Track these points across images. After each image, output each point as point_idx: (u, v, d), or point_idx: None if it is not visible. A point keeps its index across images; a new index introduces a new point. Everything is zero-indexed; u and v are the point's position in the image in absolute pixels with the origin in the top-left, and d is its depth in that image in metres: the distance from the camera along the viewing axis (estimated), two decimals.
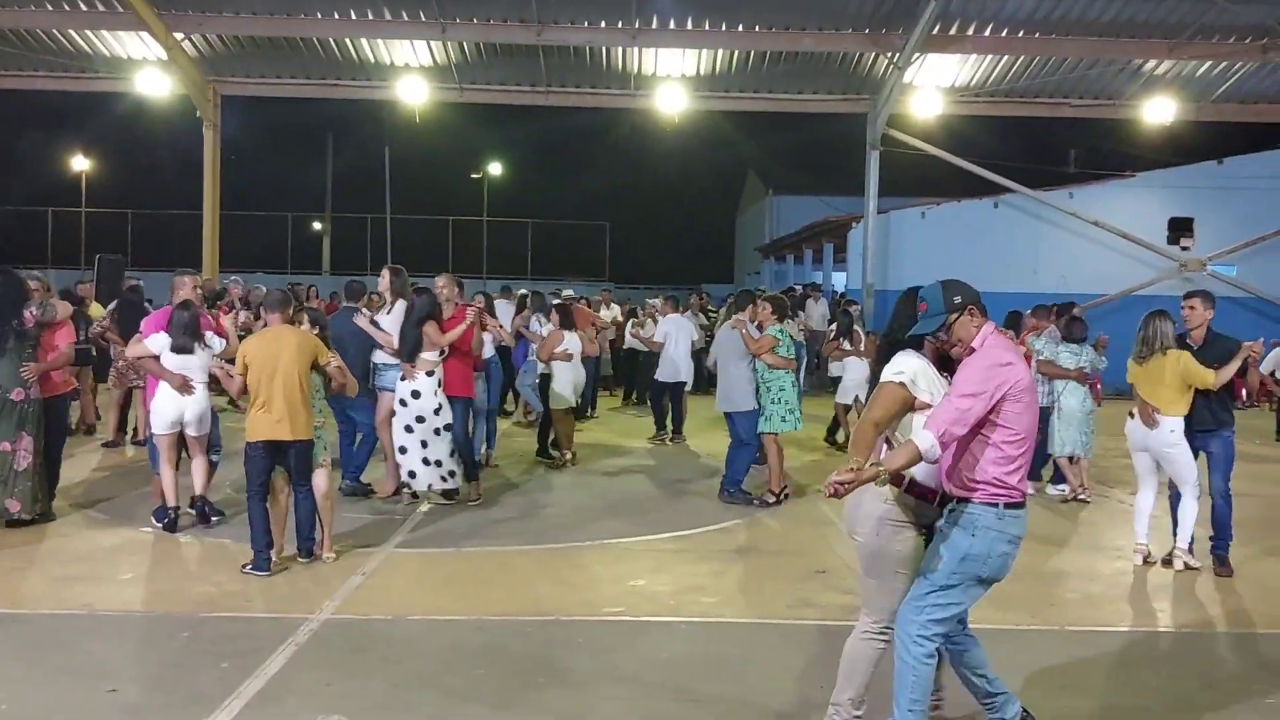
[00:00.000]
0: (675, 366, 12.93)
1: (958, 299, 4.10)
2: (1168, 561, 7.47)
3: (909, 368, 4.18)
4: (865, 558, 4.28)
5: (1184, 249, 22.31)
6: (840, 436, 12.79)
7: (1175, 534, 7.52)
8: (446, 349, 8.80)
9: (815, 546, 7.99)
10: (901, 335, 4.33)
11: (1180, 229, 22.47)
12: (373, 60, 20.41)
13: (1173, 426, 7.23)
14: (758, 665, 5.40)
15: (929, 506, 4.20)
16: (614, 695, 4.93)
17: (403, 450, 8.78)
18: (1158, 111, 20.56)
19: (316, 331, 7.53)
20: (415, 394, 8.67)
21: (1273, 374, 15.43)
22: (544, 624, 5.98)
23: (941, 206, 22.75)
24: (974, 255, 21.78)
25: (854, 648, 4.29)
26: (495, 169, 41.31)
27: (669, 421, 13.15)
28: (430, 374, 8.70)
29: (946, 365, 4.26)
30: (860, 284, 21.74)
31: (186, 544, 7.72)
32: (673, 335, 12.89)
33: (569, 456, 11.26)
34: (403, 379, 8.73)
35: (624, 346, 17.23)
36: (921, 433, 3.89)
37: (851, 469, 3.77)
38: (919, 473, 4.14)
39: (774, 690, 5.01)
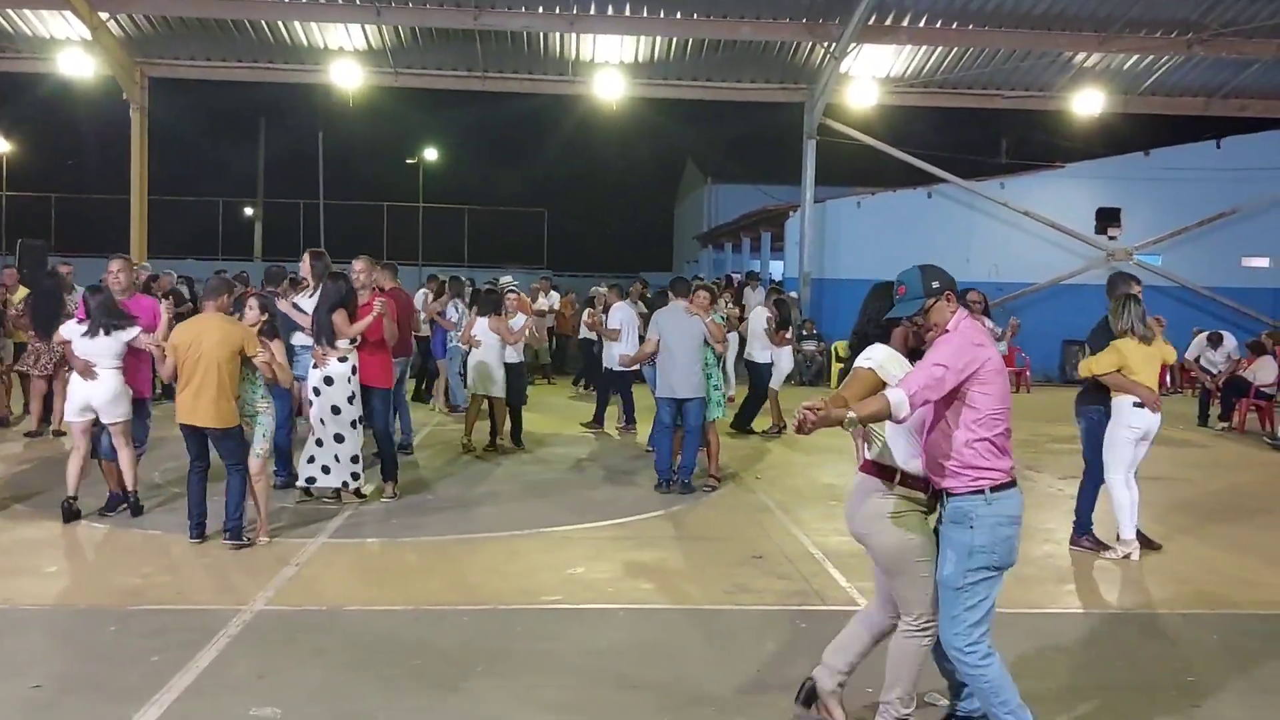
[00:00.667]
0: None
1: (935, 284, 4.13)
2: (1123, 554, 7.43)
3: (877, 355, 4.23)
4: (884, 558, 4.25)
5: (1111, 239, 22.79)
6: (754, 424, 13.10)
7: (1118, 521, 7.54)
8: (359, 338, 8.55)
9: (752, 533, 8.04)
10: (870, 329, 4.36)
11: (1108, 219, 22.96)
12: (306, 43, 20.05)
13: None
14: (695, 651, 5.42)
15: (923, 496, 4.21)
16: (552, 683, 4.92)
17: (318, 443, 8.48)
18: (1087, 103, 20.96)
19: (265, 318, 7.40)
20: (328, 380, 8.43)
21: (1197, 360, 15.90)
22: (481, 613, 5.95)
23: (877, 196, 22.99)
24: (908, 244, 22.01)
25: (898, 646, 4.26)
26: (431, 155, 40.81)
27: (620, 411, 13.15)
28: (343, 360, 8.44)
29: (916, 358, 4.27)
30: (797, 273, 21.89)
31: (115, 535, 7.55)
32: (627, 324, 12.88)
33: (499, 444, 11.31)
34: (315, 366, 8.53)
35: (579, 336, 17.18)
36: (894, 389, 3.90)
37: (821, 403, 3.75)
38: (906, 463, 4.17)
39: (712, 676, 5.04)
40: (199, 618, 5.71)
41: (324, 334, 8.46)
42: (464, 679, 4.95)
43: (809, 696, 4.51)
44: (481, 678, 4.96)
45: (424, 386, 15.38)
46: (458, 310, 14.00)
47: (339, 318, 8.39)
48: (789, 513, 8.74)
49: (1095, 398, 7.48)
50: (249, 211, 39.23)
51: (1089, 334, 7.82)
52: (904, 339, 4.31)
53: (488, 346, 11.02)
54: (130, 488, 7.93)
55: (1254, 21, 18.52)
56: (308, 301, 8.99)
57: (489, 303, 11.43)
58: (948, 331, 4.11)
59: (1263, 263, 23.07)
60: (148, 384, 8.48)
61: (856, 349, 4.39)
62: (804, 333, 19.83)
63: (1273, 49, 19.28)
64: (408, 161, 40.53)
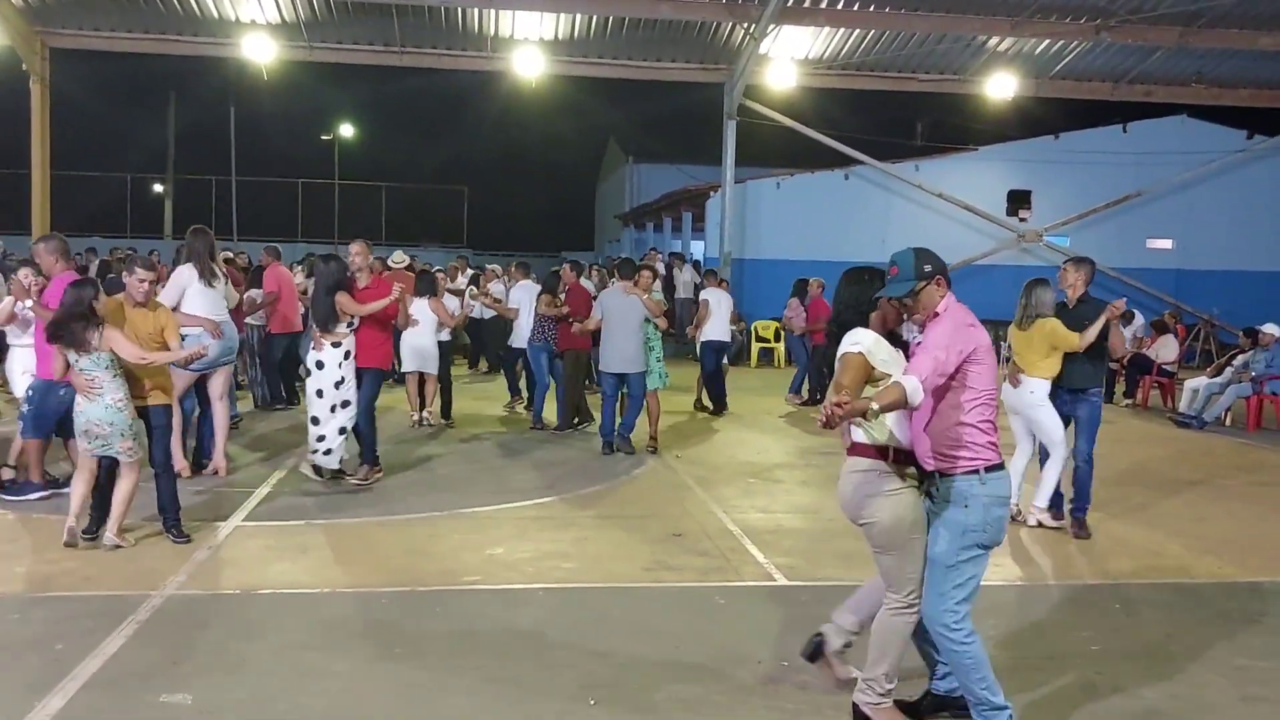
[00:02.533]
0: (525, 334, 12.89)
1: (928, 268, 4.16)
2: (1019, 518, 7.72)
3: (864, 339, 4.23)
4: (878, 536, 4.24)
5: (1022, 220, 23.33)
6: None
7: (1037, 492, 7.82)
8: (357, 320, 8.61)
9: (672, 511, 8.09)
10: (849, 315, 4.37)
11: (1018, 201, 23.50)
12: (216, 15, 19.49)
13: (1033, 388, 7.54)
14: (615, 629, 5.44)
15: (915, 473, 4.26)
16: (472, 664, 4.90)
17: (314, 421, 8.62)
18: (999, 87, 21.37)
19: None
20: (319, 364, 8.53)
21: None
22: (400, 595, 5.90)
23: (796, 177, 23.20)
24: (826, 225, 22.37)
25: (884, 624, 4.28)
26: (347, 131, 40.13)
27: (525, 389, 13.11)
28: (337, 345, 8.51)
29: (892, 340, 4.34)
30: (718, 252, 22.01)
31: (25, 521, 7.32)
32: (525, 303, 12.80)
33: (426, 418, 11.83)
34: (311, 348, 8.65)
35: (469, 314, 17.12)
36: (906, 376, 3.95)
37: (847, 396, 3.79)
38: (897, 442, 4.21)
39: (632, 652, 5.07)
40: (107, 604, 5.56)
41: (322, 317, 8.50)
42: (383, 661, 4.90)
43: (815, 652, 4.59)
44: (400, 659, 4.93)
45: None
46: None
47: (343, 299, 8.48)
48: (709, 491, 8.82)
49: (1093, 378, 7.60)
50: (158, 188, 38.16)
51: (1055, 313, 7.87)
52: (881, 322, 4.34)
53: (425, 326, 11.49)
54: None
55: (1158, 9, 19.04)
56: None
57: (426, 284, 12.04)
58: (937, 315, 4.16)
59: (1166, 245, 23.83)
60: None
61: (836, 337, 4.40)
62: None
63: (1175, 36, 19.84)
64: (323, 138, 39.80)
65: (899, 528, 4.18)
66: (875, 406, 3.83)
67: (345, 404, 8.61)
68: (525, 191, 47.89)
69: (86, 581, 6.02)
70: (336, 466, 8.72)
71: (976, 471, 4.07)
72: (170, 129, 37.68)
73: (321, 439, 8.61)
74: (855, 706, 4.30)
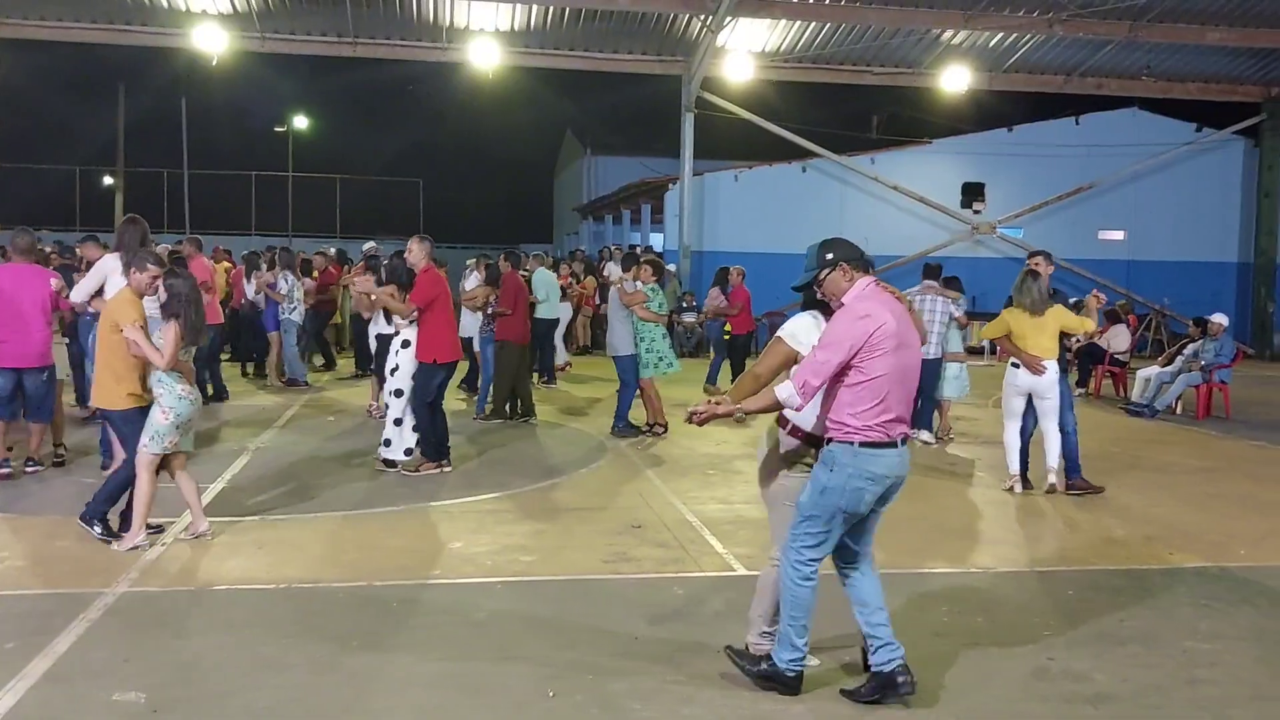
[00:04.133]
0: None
1: (830, 256, 4.45)
2: (1052, 489, 8.51)
3: (790, 325, 4.59)
4: (765, 495, 4.79)
5: (976, 212, 23.55)
6: None
7: (1047, 460, 8.57)
8: (414, 313, 8.84)
9: (632, 502, 8.11)
10: (810, 300, 4.70)
11: (973, 193, 23.72)
12: (166, 5, 19.18)
13: (1053, 369, 8.39)
14: (574, 620, 5.44)
15: (808, 449, 4.57)
16: (430, 657, 4.88)
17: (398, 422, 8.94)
18: (953, 80, 21.56)
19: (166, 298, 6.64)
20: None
21: None
22: (358, 589, 5.86)
23: (754, 170, 23.27)
24: (784, 217, 22.45)
25: (765, 574, 4.77)
26: (301, 123, 39.65)
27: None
28: (397, 334, 9.02)
29: None
30: (677, 245, 22.03)
31: None
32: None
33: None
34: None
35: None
36: (784, 383, 4.31)
37: (712, 402, 4.39)
38: (798, 418, 4.53)
39: (590, 644, 5.07)
40: (58, 602, 5.48)
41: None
42: (339, 656, 4.87)
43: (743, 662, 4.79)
44: (357, 654, 4.90)
45: (251, 360, 15.48)
46: (288, 282, 14.06)
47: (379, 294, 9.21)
48: (668, 482, 8.84)
49: (1061, 359, 8.55)
50: (108, 180, 37.55)
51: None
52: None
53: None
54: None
55: (1108, 3, 19.29)
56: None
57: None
58: (843, 303, 4.40)
59: (1118, 236, 24.17)
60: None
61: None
62: (684, 305, 20.00)
63: (1125, 30, 20.12)
64: (277, 130, 39.30)
65: (776, 492, 4.68)
66: (742, 413, 4.42)
67: (398, 393, 8.87)
68: (482, 183, 47.66)
69: (37, 579, 5.93)
70: (393, 458, 8.92)
71: (850, 443, 4.32)
72: (120, 120, 37.02)
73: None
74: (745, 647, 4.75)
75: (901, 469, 4.41)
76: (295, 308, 14.17)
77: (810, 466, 4.54)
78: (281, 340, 14.24)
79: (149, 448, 6.48)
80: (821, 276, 4.46)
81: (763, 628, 4.72)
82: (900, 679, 4.38)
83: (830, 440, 4.38)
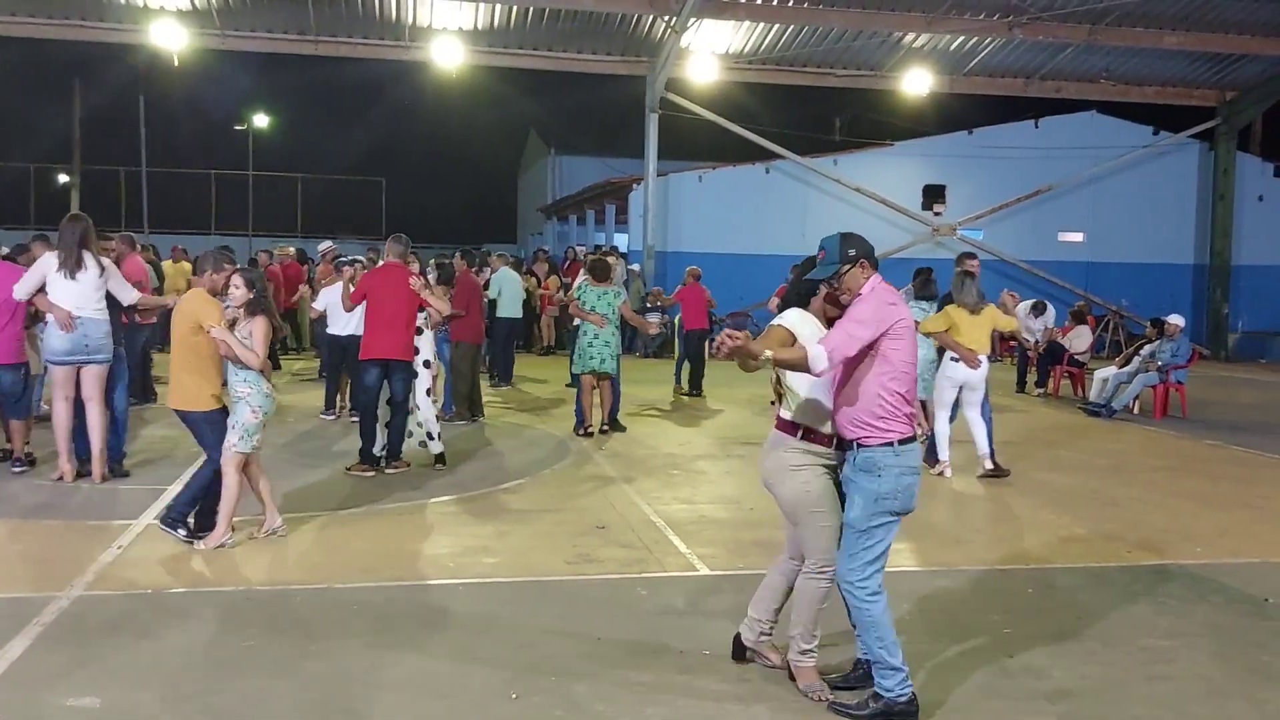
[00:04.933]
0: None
1: (852, 251, 4.40)
2: (989, 473, 9.26)
3: (789, 316, 4.55)
4: (785, 506, 4.57)
5: (937, 214, 23.76)
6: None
7: (979, 447, 9.33)
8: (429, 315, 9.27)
9: (595, 504, 8.09)
10: (792, 298, 4.70)
11: (934, 195, 23.94)
12: (123, 1, 18.95)
13: (985, 363, 9.17)
14: (537, 622, 5.41)
15: (827, 451, 4.49)
16: (390, 660, 4.84)
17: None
18: (915, 83, 21.75)
19: (252, 295, 6.65)
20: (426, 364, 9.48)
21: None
22: (317, 592, 5.80)
23: (718, 171, 23.33)
24: (747, 218, 22.54)
25: (799, 587, 4.60)
26: (262, 121, 39.23)
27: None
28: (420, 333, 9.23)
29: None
30: (641, 245, 22.04)
31: None
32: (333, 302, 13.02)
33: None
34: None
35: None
36: (815, 345, 4.20)
37: (742, 336, 4.15)
38: (812, 421, 4.47)
39: (553, 645, 5.05)
40: (11, 606, 5.38)
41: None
42: (300, 660, 4.82)
43: (737, 651, 4.83)
44: (316, 658, 4.84)
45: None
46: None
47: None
48: (632, 483, 8.83)
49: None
50: (64, 178, 36.99)
51: (939, 300, 9.73)
52: (821, 309, 4.57)
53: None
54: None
55: (1068, 7, 19.53)
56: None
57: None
58: (861, 295, 4.38)
59: (1077, 238, 24.48)
60: None
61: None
62: (648, 305, 20.00)
63: (1084, 33, 20.39)
64: (237, 128, 38.88)
65: (802, 501, 4.47)
66: (769, 354, 4.17)
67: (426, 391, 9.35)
68: (445, 183, 47.46)
69: None
70: (438, 450, 9.33)
71: (891, 444, 4.27)
72: (76, 117, 36.48)
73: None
74: (788, 665, 4.63)
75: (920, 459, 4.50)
76: (228, 306, 13.91)
77: (828, 466, 4.47)
78: None
79: (238, 447, 6.51)
80: (844, 271, 4.39)
81: (803, 646, 4.55)
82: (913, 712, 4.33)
83: (860, 445, 4.29)
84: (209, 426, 6.60)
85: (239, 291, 6.57)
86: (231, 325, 6.55)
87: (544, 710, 4.35)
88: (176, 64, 20.48)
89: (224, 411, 6.60)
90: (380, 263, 9.94)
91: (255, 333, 6.49)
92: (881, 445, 4.27)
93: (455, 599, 5.78)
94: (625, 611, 5.61)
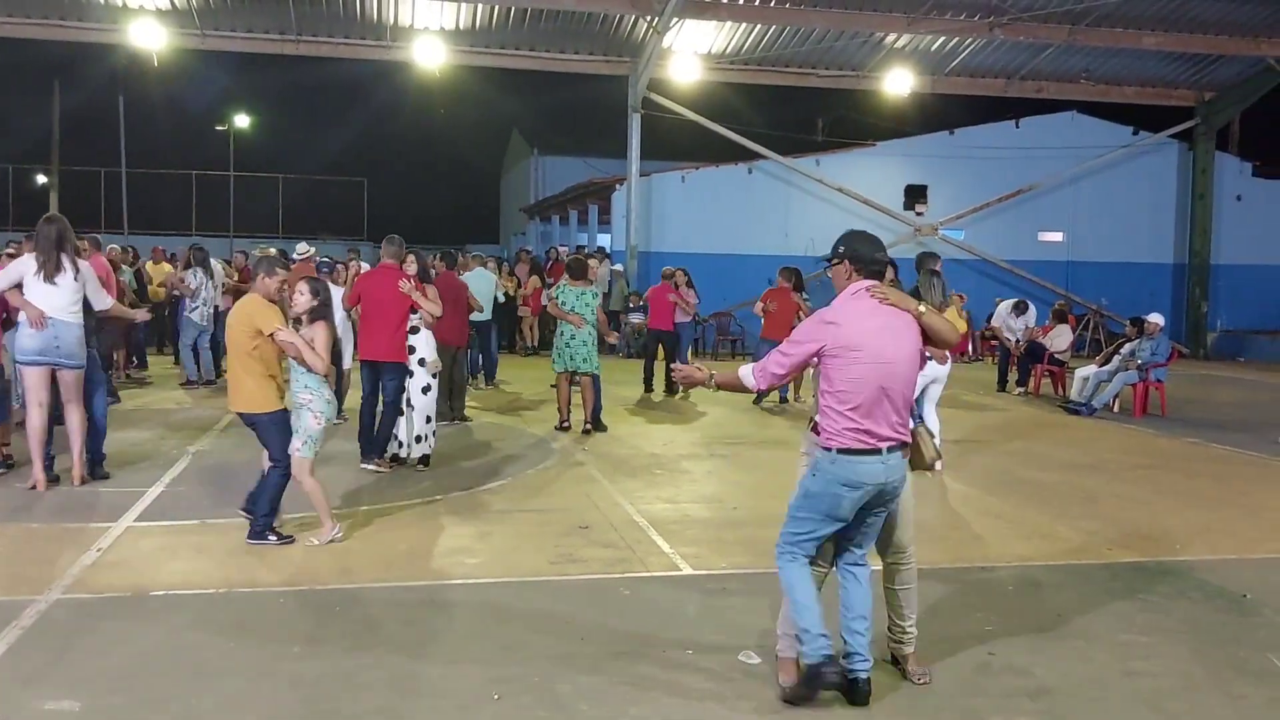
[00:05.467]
0: None
1: (840, 249, 4.54)
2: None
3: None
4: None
5: (919, 214, 23.82)
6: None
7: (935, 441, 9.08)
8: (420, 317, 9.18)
9: (578, 503, 8.08)
10: None
11: (915, 195, 24.00)
12: (102, 1, 18.83)
13: (949, 359, 9.20)
14: (520, 622, 5.41)
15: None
16: (371, 662, 4.82)
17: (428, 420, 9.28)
18: (896, 83, 21.80)
19: (316, 302, 6.69)
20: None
21: (995, 326, 16.81)
22: (299, 593, 5.78)
23: (700, 171, 23.34)
24: (730, 218, 22.56)
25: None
26: (242, 121, 39.03)
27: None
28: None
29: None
30: (624, 245, 22.03)
31: None
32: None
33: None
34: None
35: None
36: (745, 366, 4.55)
37: (695, 367, 4.72)
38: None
39: (536, 646, 5.04)
40: None
41: None
42: (280, 661, 4.80)
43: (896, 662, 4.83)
44: (299, 660, 4.83)
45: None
46: (197, 278, 14.06)
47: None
48: (615, 483, 8.83)
49: None
50: (42, 179, 36.73)
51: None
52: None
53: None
54: None
55: (1048, 8, 19.63)
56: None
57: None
58: (837, 300, 4.50)
59: (1057, 237, 24.59)
60: None
61: None
62: (631, 305, 20.01)
63: (1064, 34, 20.48)
64: (218, 128, 38.68)
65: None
66: (714, 383, 4.61)
67: (426, 389, 9.27)
68: (427, 183, 47.36)
69: None
70: (426, 452, 9.31)
71: (830, 449, 4.37)
72: (54, 118, 36.23)
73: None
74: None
75: (887, 476, 4.36)
76: (197, 308, 13.96)
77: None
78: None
79: (302, 453, 6.62)
80: (828, 268, 4.56)
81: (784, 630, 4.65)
82: (830, 675, 4.35)
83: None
84: (274, 427, 6.66)
85: (303, 299, 6.66)
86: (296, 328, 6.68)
87: (528, 710, 4.35)
88: (156, 64, 20.33)
89: (287, 412, 6.67)
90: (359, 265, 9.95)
91: (317, 339, 6.57)
92: (823, 449, 4.38)
93: (438, 599, 5.76)
94: (608, 611, 5.60)
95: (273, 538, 6.66)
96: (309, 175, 38.68)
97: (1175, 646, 5.23)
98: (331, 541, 6.70)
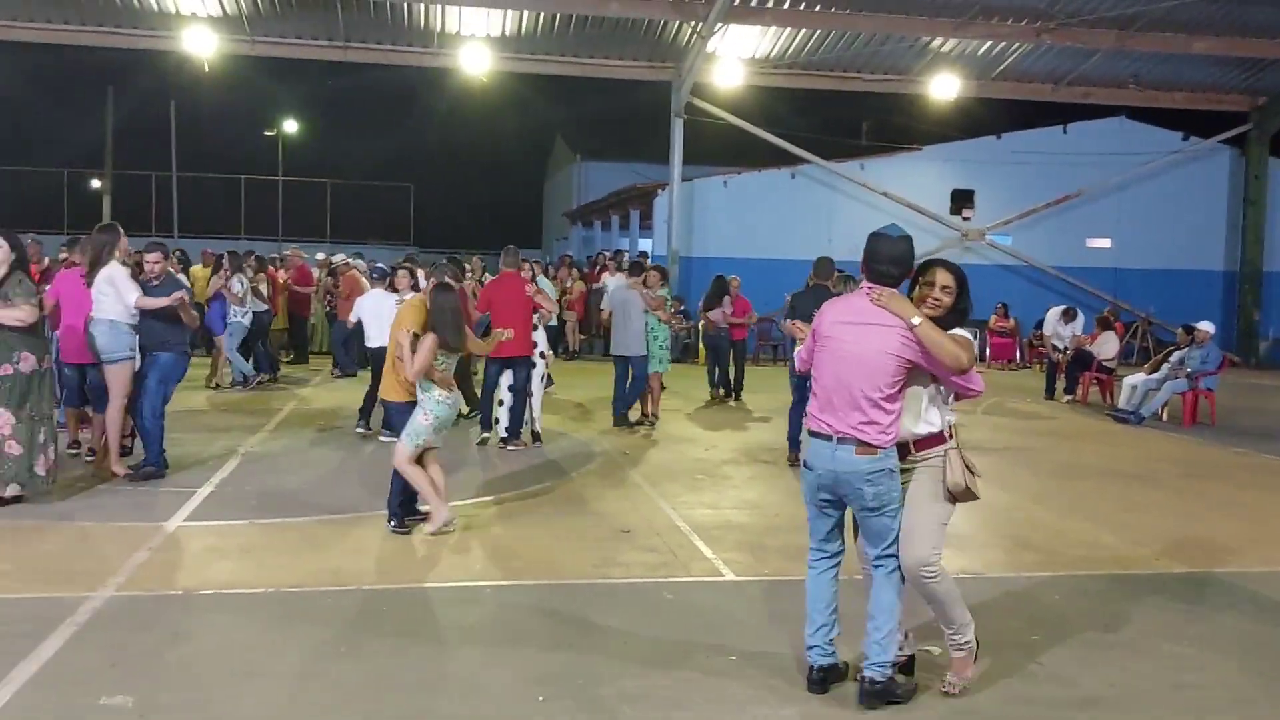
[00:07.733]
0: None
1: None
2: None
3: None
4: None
5: (965, 219, 23.64)
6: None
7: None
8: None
9: (620, 507, 8.11)
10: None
11: (962, 200, 23.81)
12: (155, 8, 19.17)
13: None
14: (563, 626, 5.44)
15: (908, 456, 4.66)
16: (414, 663, 4.87)
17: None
18: (943, 87, 21.65)
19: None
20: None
21: (1047, 333, 16.63)
22: (344, 593, 5.85)
23: (743, 175, 23.32)
24: (773, 223, 22.51)
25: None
26: (291, 127, 39.54)
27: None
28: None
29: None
30: (666, 250, 22.05)
31: None
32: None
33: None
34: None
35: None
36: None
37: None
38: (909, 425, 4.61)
39: (579, 649, 5.06)
40: (43, 607, 5.45)
41: None
42: (325, 661, 4.86)
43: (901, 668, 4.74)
44: (344, 659, 4.89)
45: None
46: (242, 285, 14.35)
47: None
48: (657, 487, 8.84)
49: None
50: (96, 184, 37.41)
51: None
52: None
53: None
54: None
55: (1096, 12, 19.42)
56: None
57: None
58: None
59: (1104, 243, 24.29)
60: None
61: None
62: (672, 310, 19.97)
63: (1112, 39, 20.25)
64: (267, 133, 39.22)
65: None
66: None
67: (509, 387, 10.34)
68: (472, 188, 47.60)
69: (21, 585, 5.90)
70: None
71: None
72: (108, 123, 36.90)
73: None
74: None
75: (832, 464, 4.38)
76: (245, 311, 14.23)
77: (908, 471, 4.55)
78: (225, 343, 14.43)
79: (403, 443, 7.07)
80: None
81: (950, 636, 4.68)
82: (812, 683, 4.56)
83: None
84: (397, 416, 7.37)
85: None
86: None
87: (570, 713, 4.37)
88: (207, 70, 20.65)
89: (413, 404, 7.13)
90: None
91: (420, 347, 6.95)
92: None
93: (481, 601, 5.81)
94: (651, 616, 5.62)
95: (393, 522, 7.14)
96: (357, 180, 39.09)
97: (1225, 659, 5.15)
98: (443, 530, 7.06)
